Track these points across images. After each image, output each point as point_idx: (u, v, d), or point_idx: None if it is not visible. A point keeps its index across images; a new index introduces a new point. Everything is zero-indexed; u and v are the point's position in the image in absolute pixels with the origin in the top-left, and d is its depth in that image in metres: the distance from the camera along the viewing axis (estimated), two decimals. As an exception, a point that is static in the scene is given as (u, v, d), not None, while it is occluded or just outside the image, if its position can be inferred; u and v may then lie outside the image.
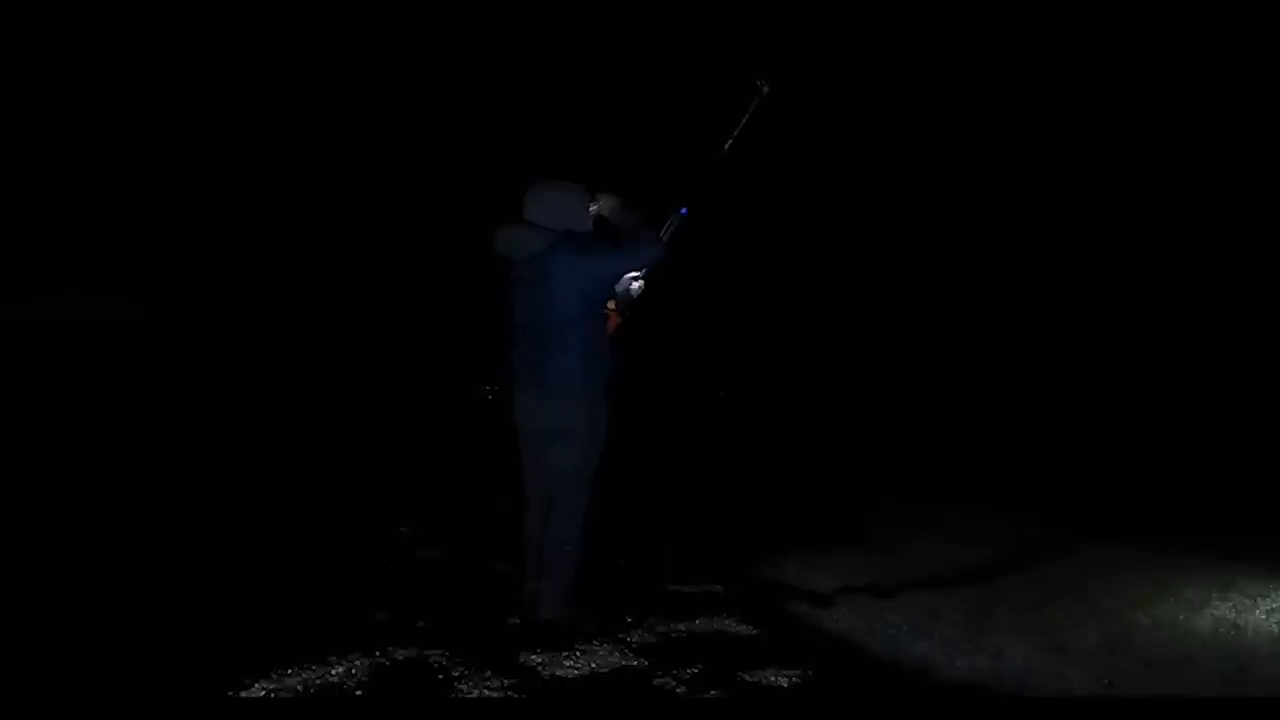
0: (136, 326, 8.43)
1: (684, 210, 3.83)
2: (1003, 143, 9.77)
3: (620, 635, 3.64)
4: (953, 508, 6.18)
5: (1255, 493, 6.18)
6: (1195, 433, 7.74)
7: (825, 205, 10.36)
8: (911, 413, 9.22)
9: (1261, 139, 8.63)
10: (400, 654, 3.33)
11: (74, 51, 8.85)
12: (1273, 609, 4.14)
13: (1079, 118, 9.67)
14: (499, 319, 3.75)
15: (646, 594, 4.20)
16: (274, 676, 3.06)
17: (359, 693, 3.03)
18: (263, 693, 2.97)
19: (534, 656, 3.36)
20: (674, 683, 3.20)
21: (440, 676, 3.17)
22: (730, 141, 3.90)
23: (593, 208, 3.70)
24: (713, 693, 3.13)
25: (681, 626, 3.80)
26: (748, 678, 3.26)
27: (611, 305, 3.77)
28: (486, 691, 3.06)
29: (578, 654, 3.40)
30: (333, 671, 3.14)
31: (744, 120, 3.88)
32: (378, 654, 3.31)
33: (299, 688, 3.02)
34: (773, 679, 3.27)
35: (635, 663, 3.38)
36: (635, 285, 3.84)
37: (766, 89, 3.87)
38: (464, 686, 3.09)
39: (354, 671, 3.16)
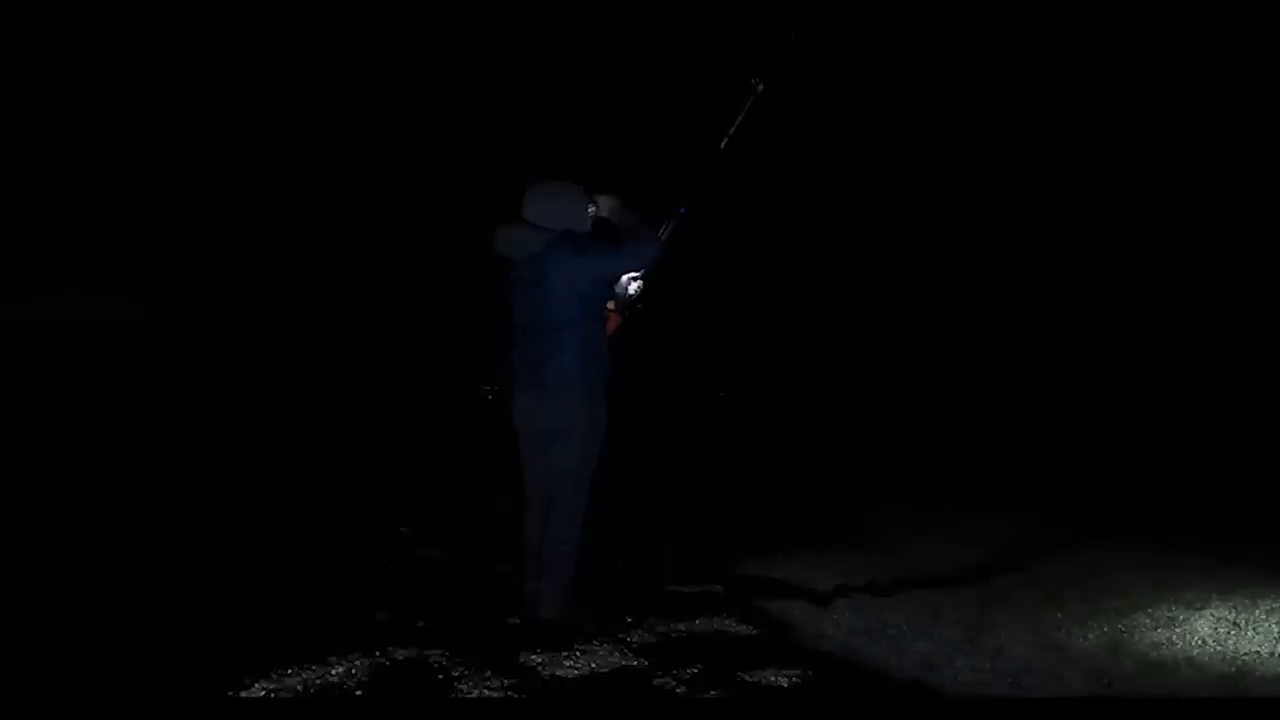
0: (136, 326, 8.43)
1: (683, 210, 3.84)
2: (1003, 143, 9.78)
3: (620, 635, 3.64)
4: (953, 508, 6.19)
5: (1255, 493, 6.18)
6: (1195, 433, 7.74)
7: (825, 204, 10.35)
8: (912, 413, 9.21)
9: (1261, 139, 8.64)
10: (400, 654, 3.33)
11: (74, 51, 8.86)
12: (1273, 609, 4.13)
13: (1079, 118, 9.68)
14: (498, 319, 3.76)
15: (646, 594, 4.20)
16: (274, 676, 3.06)
17: (359, 693, 3.03)
18: (263, 693, 2.97)
19: (534, 656, 3.36)
20: (674, 683, 3.20)
21: (440, 676, 3.17)
22: (726, 140, 3.90)
23: (591, 208, 3.70)
24: (713, 693, 3.13)
25: (681, 626, 3.80)
26: (748, 678, 3.26)
27: (611, 305, 3.77)
28: (486, 691, 3.06)
29: (577, 654, 3.40)
30: (333, 671, 3.14)
31: (740, 119, 3.88)
32: (378, 654, 3.31)
33: (299, 688, 3.02)
34: (773, 679, 3.26)
35: (635, 663, 3.38)
36: (634, 285, 3.85)
37: (762, 87, 3.88)
38: (464, 686, 3.09)
39: (354, 671, 3.16)
